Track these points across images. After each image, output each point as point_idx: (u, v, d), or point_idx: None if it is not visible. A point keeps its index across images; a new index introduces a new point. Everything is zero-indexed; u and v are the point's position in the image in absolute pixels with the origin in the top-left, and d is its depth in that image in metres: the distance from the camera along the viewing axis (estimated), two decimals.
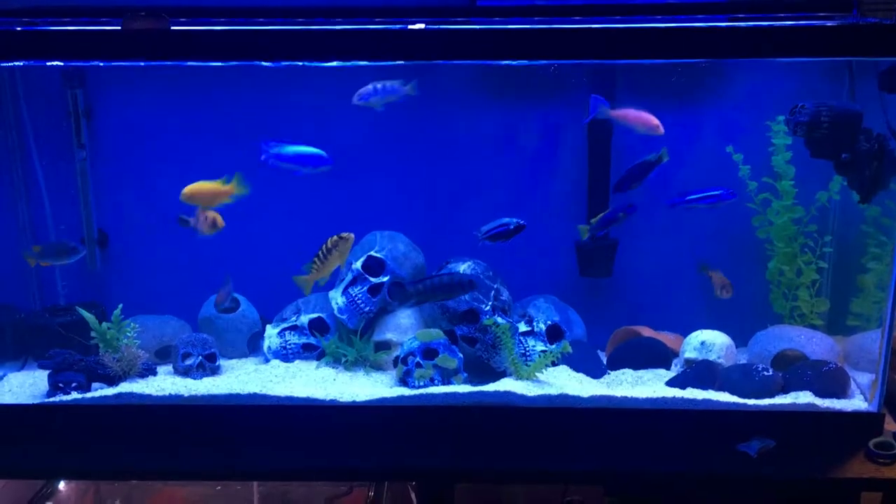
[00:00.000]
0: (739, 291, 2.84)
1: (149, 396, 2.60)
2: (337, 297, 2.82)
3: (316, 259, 2.68)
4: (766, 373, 2.59)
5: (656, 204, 2.90)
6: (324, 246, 2.67)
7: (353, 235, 2.70)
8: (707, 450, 2.48)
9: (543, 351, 2.70)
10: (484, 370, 2.71)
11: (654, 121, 2.56)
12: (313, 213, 2.95)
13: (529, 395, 2.56)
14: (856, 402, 2.55)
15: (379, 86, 2.57)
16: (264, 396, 2.59)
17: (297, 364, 2.79)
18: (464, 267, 2.70)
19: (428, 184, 2.90)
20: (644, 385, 2.65)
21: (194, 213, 2.68)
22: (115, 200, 2.99)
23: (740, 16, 2.61)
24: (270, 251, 2.99)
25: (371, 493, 2.92)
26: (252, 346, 2.95)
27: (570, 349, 2.63)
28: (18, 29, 2.53)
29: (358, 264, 2.82)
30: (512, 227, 2.63)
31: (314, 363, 2.80)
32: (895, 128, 2.46)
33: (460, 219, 2.94)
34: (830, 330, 2.85)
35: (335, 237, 2.67)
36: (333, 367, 2.78)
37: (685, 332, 2.81)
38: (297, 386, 2.65)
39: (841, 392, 2.58)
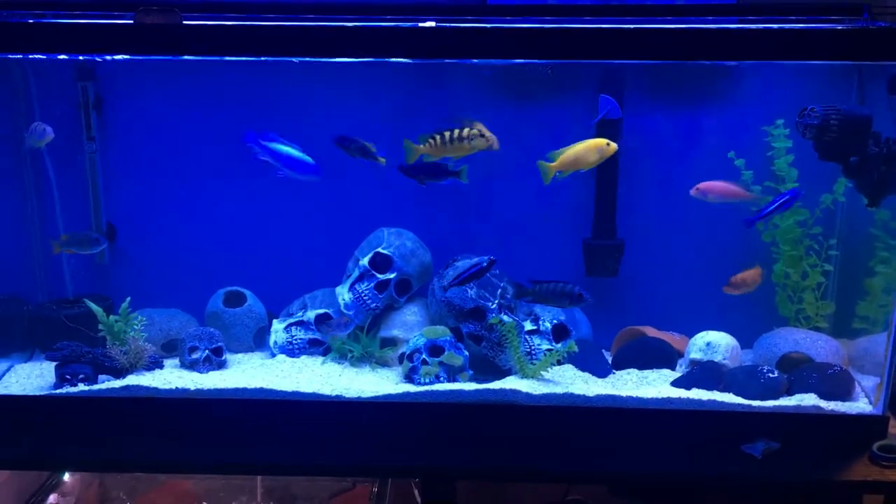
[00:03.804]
0: (745, 293, 2.84)
1: (155, 389, 2.61)
2: (343, 294, 2.83)
3: (438, 136, 2.34)
4: (770, 375, 2.59)
5: (661, 204, 2.91)
6: (457, 130, 2.33)
7: (497, 141, 2.33)
8: (712, 451, 2.48)
9: (549, 350, 2.70)
10: (489, 368, 2.72)
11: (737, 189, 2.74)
12: (320, 208, 2.96)
13: (534, 393, 2.57)
14: (860, 405, 2.56)
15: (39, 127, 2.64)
16: (270, 391, 2.60)
17: (303, 359, 2.81)
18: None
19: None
20: (649, 385, 2.66)
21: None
22: (124, 193, 3.00)
23: (750, 18, 2.61)
24: (277, 246, 3.00)
25: (374, 489, 2.92)
26: (258, 341, 2.96)
27: (575, 348, 2.64)
28: (31, 21, 2.54)
29: (365, 261, 2.82)
30: (485, 264, 2.63)
31: (320, 359, 2.82)
32: None
33: (469, 217, 2.95)
34: (835, 333, 2.85)
35: (477, 130, 2.29)
36: (339, 363, 2.79)
37: (690, 333, 2.82)
38: (302, 381, 2.66)
39: (845, 395, 2.58)
